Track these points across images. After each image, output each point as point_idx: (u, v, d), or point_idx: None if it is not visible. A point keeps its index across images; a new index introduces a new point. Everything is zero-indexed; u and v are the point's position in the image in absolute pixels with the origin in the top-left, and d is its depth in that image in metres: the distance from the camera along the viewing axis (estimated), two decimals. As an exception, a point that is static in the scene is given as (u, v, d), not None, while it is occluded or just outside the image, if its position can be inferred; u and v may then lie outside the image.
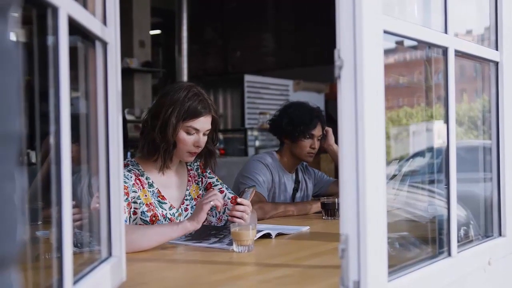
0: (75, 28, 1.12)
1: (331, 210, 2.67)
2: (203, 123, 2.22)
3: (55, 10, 1.00)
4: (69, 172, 1.03)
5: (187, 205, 2.35)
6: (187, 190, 2.37)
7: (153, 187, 2.25)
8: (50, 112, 1.04)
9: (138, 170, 2.24)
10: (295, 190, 3.17)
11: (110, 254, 1.39)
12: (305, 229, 2.37)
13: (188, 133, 2.21)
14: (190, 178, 2.40)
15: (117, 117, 1.40)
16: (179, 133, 2.20)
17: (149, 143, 2.22)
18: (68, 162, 1.03)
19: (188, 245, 2.00)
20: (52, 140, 1.04)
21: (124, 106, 1.61)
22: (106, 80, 1.38)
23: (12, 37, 0.59)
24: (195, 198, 2.38)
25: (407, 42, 1.55)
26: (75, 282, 1.10)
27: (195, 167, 2.45)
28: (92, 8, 1.31)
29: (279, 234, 2.21)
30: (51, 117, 1.03)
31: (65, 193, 1.02)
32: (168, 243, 1.99)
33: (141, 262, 1.79)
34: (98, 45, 1.35)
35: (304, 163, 3.22)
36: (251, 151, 7.46)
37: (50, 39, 1.03)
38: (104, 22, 1.37)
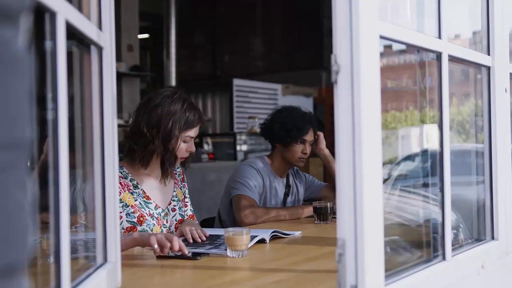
0: (71, 32, 1.12)
1: (323, 215, 2.67)
2: (197, 130, 2.36)
3: (53, 15, 1.00)
4: (67, 177, 1.03)
5: (174, 205, 2.43)
6: (174, 191, 2.45)
7: (138, 188, 2.30)
8: (44, 116, 1.03)
9: (122, 173, 2.28)
10: (286, 194, 3.17)
11: (105, 260, 1.38)
12: (298, 233, 2.37)
13: (184, 141, 2.32)
14: (176, 181, 2.49)
15: (113, 122, 1.39)
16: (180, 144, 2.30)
17: (150, 154, 2.28)
18: (65, 167, 1.02)
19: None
20: (47, 145, 1.03)
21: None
22: (101, 85, 1.37)
23: (23, 43, 0.59)
24: (181, 200, 2.47)
25: (395, 46, 1.55)
26: (72, 289, 1.09)
27: (178, 172, 2.53)
28: (87, 13, 1.31)
29: (274, 237, 2.21)
30: (48, 122, 1.03)
31: (63, 199, 1.02)
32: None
33: (136, 268, 1.78)
34: (93, 50, 1.35)
35: (295, 167, 3.22)
36: (240, 155, 7.45)
37: (47, 44, 1.02)
38: (100, 27, 1.36)
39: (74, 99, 1.38)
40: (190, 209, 2.53)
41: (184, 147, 2.31)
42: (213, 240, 2.15)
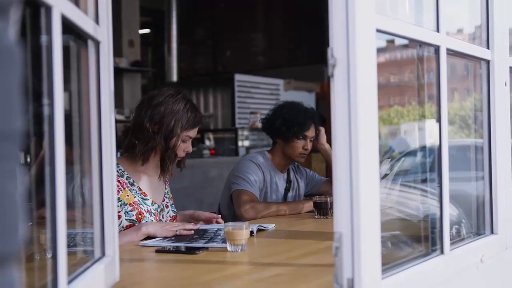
0: (67, 27, 1.12)
1: (323, 209, 2.67)
2: (196, 131, 2.40)
3: (48, 9, 1.00)
4: (63, 172, 1.03)
5: (167, 202, 2.48)
6: (166, 189, 2.50)
7: (135, 185, 2.33)
8: (41, 112, 1.03)
9: (118, 171, 2.30)
10: (287, 189, 3.17)
11: (103, 254, 1.38)
12: (271, 226, 2.40)
13: (183, 141, 2.35)
14: (167, 179, 2.53)
15: (110, 117, 1.40)
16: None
17: (150, 150, 2.31)
18: (62, 163, 1.03)
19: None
20: (44, 140, 1.03)
21: (113, 106, 1.66)
22: (98, 79, 1.37)
23: (13, 35, 0.59)
24: (171, 198, 2.53)
25: (398, 41, 1.55)
26: (69, 282, 1.09)
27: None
28: (84, 7, 1.31)
29: (259, 230, 2.27)
30: (44, 117, 1.03)
31: (59, 193, 1.02)
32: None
33: (134, 262, 1.79)
34: (90, 44, 1.35)
35: (296, 162, 3.22)
36: (241, 151, 7.46)
37: (43, 38, 1.02)
38: (97, 21, 1.36)
39: (71, 94, 1.38)
40: (173, 210, 2.54)
41: (182, 146, 2.35)
42: (202, 234, 2.15)
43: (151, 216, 2.31)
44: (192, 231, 2.18)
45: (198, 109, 2.41)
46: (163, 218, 2.40)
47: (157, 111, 2.29)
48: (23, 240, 0.60)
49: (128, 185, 2.31)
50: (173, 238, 2.10)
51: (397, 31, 1.37)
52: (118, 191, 2.24)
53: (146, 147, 2.29)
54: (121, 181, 2.29)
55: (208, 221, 2.47)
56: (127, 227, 2.23)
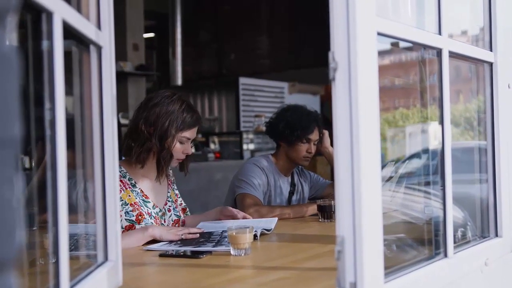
0: (69, 32, 1.12)
1: (327, 213, 2.67)
2: (194, 132, 2.39)
3: (49, 14, 1.00)
4: (65, 177, 1.03)
5: (169, 206, 2.47)
6: (168, 192, 2.50)
7: (136, 187, 2.34)
8: (45, 117, 1.04)
9: (120, 172, 2.32)
10: (291, 193, 3.16)
11: (106, 258, 1.39)
12: (274, 222, 2.43)
13: (181, 142, 2.35)
14: (169, 183, 2.53)
15: (112, 122, 1.40)
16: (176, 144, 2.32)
17: (146, 151, 2.31)
18: (63, 167, 1.03)
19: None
20: (47, 145, 1.04)
21: (118, 110, 1.64)
22: (100, 84, 1.38)
23: (10, 42, 0.59)
24: (174, 201, 2.51)
25: (402, 44, 1.55)
26: (71, 287, 1.10)
27: (170, 174, 2.58)
28: (86, 12, 1.31)
29: (263, 234, 2.26)
30: (46, 122, 1.03)
31: (61, 198, 1.02)
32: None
33: (137, 267, 1.79)
34: (92, 49, 1.35)
35: (300, 166, 3.22)
36: (246, 154, 7.45)
37: (44, 44, 1.03)
38: (99, 26, 1.36)
39: (74, 99, 1.38)
40: (175, 214, 2.52)
41: (180, 148, 2.35)
42: (208, 238, 2.15)
43: (151, 218, 2.31)
44: (198, 235, 2.18)
45: (195, 110, 2.40)
46: (164, 222, 2.40)
47: (152, 112, 2.30)
48: (21, 246, 0.60)
49: (130, 186, 2.32)
50: (179, 242, 2.10)
51: (398, 34, 1.37)
52: (120, 190, 2.24)
53: (141, 148, 2.29)
54: (123, 181, 2.30)
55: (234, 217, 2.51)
56: (126, 228, 2.23)
